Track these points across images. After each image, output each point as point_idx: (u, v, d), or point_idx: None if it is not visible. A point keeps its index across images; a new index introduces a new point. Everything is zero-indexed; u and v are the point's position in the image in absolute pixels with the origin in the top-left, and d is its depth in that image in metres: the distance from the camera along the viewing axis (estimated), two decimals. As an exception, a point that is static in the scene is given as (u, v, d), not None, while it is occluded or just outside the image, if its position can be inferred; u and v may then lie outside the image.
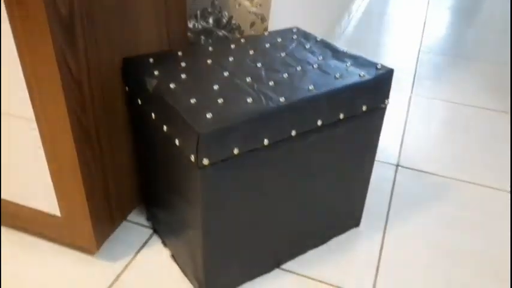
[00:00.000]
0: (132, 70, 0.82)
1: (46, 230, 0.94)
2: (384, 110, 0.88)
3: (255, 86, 0.77)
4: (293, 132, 0.76)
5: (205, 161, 0.68)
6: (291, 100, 0.73)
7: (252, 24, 1.09)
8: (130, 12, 0.83)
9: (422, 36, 2.15)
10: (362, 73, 0.83)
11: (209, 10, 1.11)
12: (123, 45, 0.83)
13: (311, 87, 0.77)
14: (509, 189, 1.19)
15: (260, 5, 1.06)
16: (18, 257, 0.93)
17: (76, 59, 0.72)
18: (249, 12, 1.07)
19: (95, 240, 0.90)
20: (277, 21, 1.11)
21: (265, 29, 1.08)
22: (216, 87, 0.76)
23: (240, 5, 1.07)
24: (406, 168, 1.25)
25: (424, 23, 2.33)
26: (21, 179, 0.88)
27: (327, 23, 1.75)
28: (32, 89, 0.73)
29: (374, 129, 0.89)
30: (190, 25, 1.14)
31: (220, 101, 0.72)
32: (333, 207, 0.95)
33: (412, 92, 1.65)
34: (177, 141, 0.72)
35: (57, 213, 0.89)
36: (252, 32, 1.10)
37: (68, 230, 0.91)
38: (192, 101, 0.71)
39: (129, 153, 0.94)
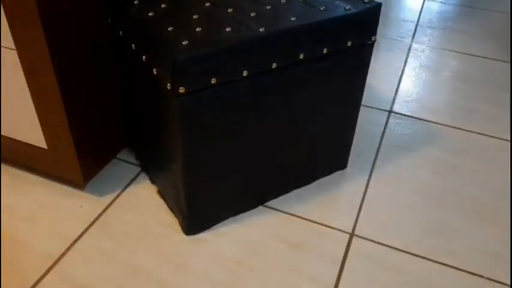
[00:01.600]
0: (113, 1, 0.81)
1: (34, 163, 0.96)
2: (371, 47, 0.86)
3: (236, 16, 0.75)
4: (274, 65, 0.75)
5: (182, 89, 0.67)
6: (271, 30, 0.72)
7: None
8: None
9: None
10: (348, 6, 0.80)
11: None
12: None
13: (293, 18, 0.75)
14: (505, 137, 1.18)
15: None
16: (8, 189, 0.96)
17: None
18: None
19: (81, 174, 0.92)
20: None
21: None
22: (195, 16, 0.74)
23: None
24: (399, 114, 1.24)
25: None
26: (9, 113, 0.89)
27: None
28: (12, 18, 0.72)
29: (360, 66, 0.88)
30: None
31: (198, 29, 0.71)
32: (318, 147, 0.95)
33: (412, 40, 1.62)
34: (154, 71, 0.71)
35: (44, 145, 0.90)
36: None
37: (55, 163, 0.92)
38: (170, 29, 0.70)
39: (117, 92, 0.94)
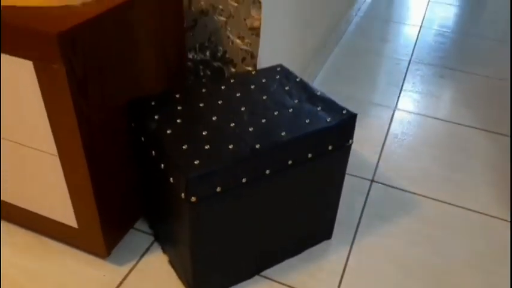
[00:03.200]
0: (136, 112, 0.99)
1: (65, 237, 1.12)
2: (348, 147, 1.04)
3: (237, 131, 0.93)
4: (267, 171, 0.92)
5: (193, 198, 0.85)
6: (265, 146, 0.90)
7: (243, 60, 1.24)
8: (135, 60, 0.99)
9: (414, 49, 2.26)
10: (329, 119, 0.98)
11: (206, 44, 1.26)
12: (128, 86, 1.00)
13: (283, 133, 0.93)
14: (473, 207, 1.35)
15: (250, 44, 1.20)
16: (39, 257, 1.13)
17: (88, 105, 0.88)
18: (241, 49, 1.22)
19: (105, 248, 1.09)
20: (264, 58, 1.26)
21: (255, 64, 1.23)
22: (204, 133, 0.92)
23: (233, 42, 1.22)
24: (380, 184, 1.41)
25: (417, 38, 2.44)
26: (47, 199, 1.06)
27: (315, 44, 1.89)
28: (55, 129, 0.90)
29: (340, 162, 1.05)
30: (190, 56, 1.30)
31: (207, 147, 0.88)
32: (307, 223, 1.12)
33: (396, 106, 1.80)
34: (171, 179, 0.89)
35: (75, 225, 1.07)
36: (244, 66, 1.25)
37: (83, 239, 1.09)
38: (184, 147, 0.88)
39: (134, 172, 1.11)
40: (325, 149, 0.99)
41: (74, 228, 1.08)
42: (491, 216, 1.32)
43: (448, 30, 2.50)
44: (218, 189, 0.87)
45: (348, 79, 1.97)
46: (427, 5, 2.80)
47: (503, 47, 2.32)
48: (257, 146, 0.89)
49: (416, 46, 2.28)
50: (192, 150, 0.87)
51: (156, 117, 0.96)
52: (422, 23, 2.54)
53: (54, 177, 0.99)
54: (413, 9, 2.74)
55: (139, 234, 1.21)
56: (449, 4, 2.85)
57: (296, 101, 1.04)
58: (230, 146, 0.89)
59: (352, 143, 1.03)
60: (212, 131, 0.93)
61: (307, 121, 0.97)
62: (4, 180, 1.08)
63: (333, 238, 1.22)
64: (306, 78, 1.23)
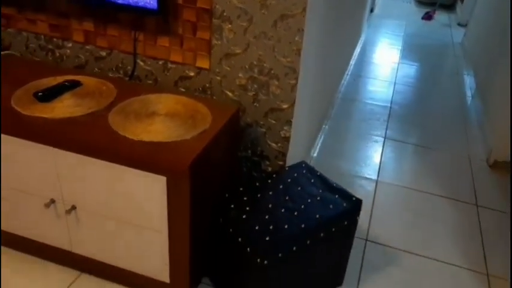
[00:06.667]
0: (217, 206, 1.47)
1: (157, 290, 1.56)
2: (356, 221, 1.54)
3: (287, 214, 1.42)
4: (308, 242, 1.41)
5: (265, 262, 1.32)
6: (307, 226, 1.39)
7: (276, 157, 1.75)
8: (221, 166, 1.49)
9: (386, 128, 2.86)
10: (344, 204, 1.49)
11: (249, 145, 1.77)
12: (215, 187, 1.48)
13: (317, 216, 1.43)
14: (446, 260, 1.87)
15: (282, 147, 1.72)
16: (139, 307, 1.55)
17: (195, 204, 1.36)
18: (275, 150, 1.74)
19: (187, 297, 1.53)
20: (289, 157, 1.78)
21: (285, 160, 1.74)
22: (267, 217, 1.41)
23: (269, 145, 1.73)
24: (373, 242, 1.92)
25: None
26: (149, 261, 1.50)
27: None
28: (171, 217, 1.37)
29: (351, 231, 1.56)
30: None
31: (270, 227, 1.37)
32: (327, 274, 1.60)
33: (378, 178, 2.34)
34: (248, 249, 1.36)
35: (167, 280, 1.51)
36: (276, 161, 1.76)
37: (172, 291, 1.53)
38: (256, 227, 1.36)
39: (208, 243, 1.58)
40: (343, 224, 1.49)
41: (165, 283, 1.52)
42: (455, 265, 1.85)
43: (414, 109, 3.13)
44: (280, 255, 1.35)
45: (338, 155, 2.52)
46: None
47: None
48: (302, 226, 1.39)
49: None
50: (261, 229, 1.36)
51: (232, 206, 1.44)
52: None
53: (159, 248, 1.44)
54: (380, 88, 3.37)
55: (204, 287, 1.66)
56: (412, 86, 3.52)
57: (320, 191, 1.55)
58: (286, 226, 1.38)
59: (358, 219, 1.54)
60: (271, 216, 1.42)
61: (331, 206, 1.48)
62: (111, 247, 1.52)
63: (343, 284, 1.70)
64: (309, 159, 1.75)
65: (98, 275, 1.63)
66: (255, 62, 1.57)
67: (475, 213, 2.15)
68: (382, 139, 2.71)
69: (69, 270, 1.64)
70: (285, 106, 1.62)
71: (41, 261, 1.66)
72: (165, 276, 1.51)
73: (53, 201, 1.48)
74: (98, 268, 1.58)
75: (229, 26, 1.53)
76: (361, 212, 2.05)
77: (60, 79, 1.60)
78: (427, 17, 5.32)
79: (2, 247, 1.70)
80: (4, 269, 1.63)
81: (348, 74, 3.52)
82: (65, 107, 1.45)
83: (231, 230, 1.43)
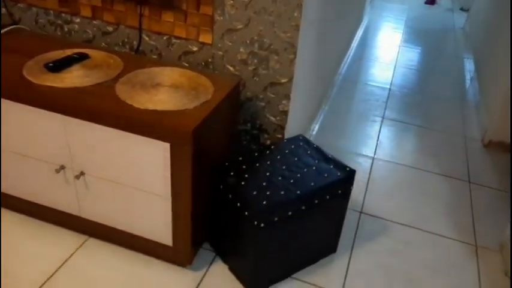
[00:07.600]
0: (217, 173, 1.55)
1: (160, 253, 1.65)
2: (350, 191, 1.62)
3: (284, 182, 1.50)
4: (303, 207, 1.49)
5: (262, 225, 1.41)
6: (303, 193, 1.47)
7: (274, 130, 1.82)
8: (220, 139, 1.56)
9: (386, 103, 2.92)
10: (339, 173, 1.57)
11: (248, 119, 1.84)
12: (215, 155, 1.56)
13: (312, 184, 1.51)
14: (437, 232, 1.95)
15: (280, 120, 1.79)
16: (136, 266, 1.65)
17: (197, 169, 1.44)
18: (273, 123, 1.81)
19: (189, 260, 1.62)
20: (287, 130, 1.85)
21: (283, 134, 1.82)
22: (264, 184, 1.49)
23: (268, 119, 1.81)
24: (368, 214, 2.00)
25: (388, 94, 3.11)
26: (152, 225, 1.59)
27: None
28: (174, 181, 1.45)
29: (345, 201, 1.64)
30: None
31: (268, 193, 1.45)
32: (322, 242, 1.69)
33: (374, 155, 2.41)
34: (246, 213, 1.45)
35: (170, 243, 1.60)
36: (275, 135, 1.83)
37: (174, 253, 1.62)
38: (254, 193, 1.44)
39: (208, 209, 1.66)
40: (337, 192, 1.57)
41: (168, 246, 1.61)
42: (445, 236, 1.93)
43: (413, 91, 3.19)
44: (276, 218, 1.43)
45: (337, 134, 2.59)
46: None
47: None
48: (298, 192, 1.47)
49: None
50: (259, 195, 1.44)
51: (231, 173, 1.52)
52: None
53: (163, 212, 1.53)
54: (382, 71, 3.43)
55: (205, 251, 1.75)
56: (412, 69, 3.57)
57: (316, 161, 1.63)
58: (282, 192, 1.46)
59: (352, 188, 1.62)
60: (268, 183, 1.50)
61: (325, 175, 1.56)
62: (118, 212, 1.61)
63: (337, 251, 1.79)
64: (308, 136, 1.83)
65: (105, 239, 1.72)
66: (255, 37, 1.64)
67: (467, 190, 2.23)
68: (380, 119, 2.78)
69: (77, 235, 1.74)
70: (283, 80, 1.69)
71: (51, 226, 1.76)
72: (168, 240, 1.60)
73: (62, 167, 1.57)
74: (105, 232, 1.68)
75: (231, 1, 1.60)
76: (357, 186, 2.15)
77: (69, 52, 1.67)
78: (430, 1, 5.34)
79: (13, 212, 1.80)
80: (14, 232, 1.72)
81: (349, 56, 3.57)
82: (74, 78, 1.52)
83: (230, 195, 1.51)
